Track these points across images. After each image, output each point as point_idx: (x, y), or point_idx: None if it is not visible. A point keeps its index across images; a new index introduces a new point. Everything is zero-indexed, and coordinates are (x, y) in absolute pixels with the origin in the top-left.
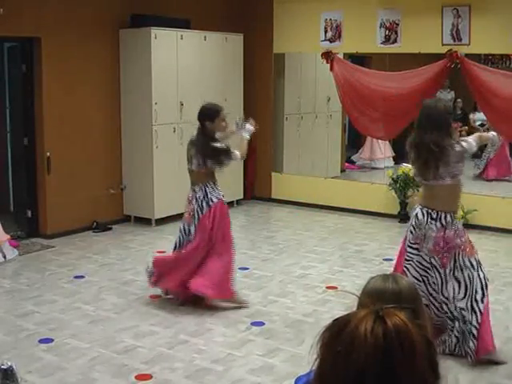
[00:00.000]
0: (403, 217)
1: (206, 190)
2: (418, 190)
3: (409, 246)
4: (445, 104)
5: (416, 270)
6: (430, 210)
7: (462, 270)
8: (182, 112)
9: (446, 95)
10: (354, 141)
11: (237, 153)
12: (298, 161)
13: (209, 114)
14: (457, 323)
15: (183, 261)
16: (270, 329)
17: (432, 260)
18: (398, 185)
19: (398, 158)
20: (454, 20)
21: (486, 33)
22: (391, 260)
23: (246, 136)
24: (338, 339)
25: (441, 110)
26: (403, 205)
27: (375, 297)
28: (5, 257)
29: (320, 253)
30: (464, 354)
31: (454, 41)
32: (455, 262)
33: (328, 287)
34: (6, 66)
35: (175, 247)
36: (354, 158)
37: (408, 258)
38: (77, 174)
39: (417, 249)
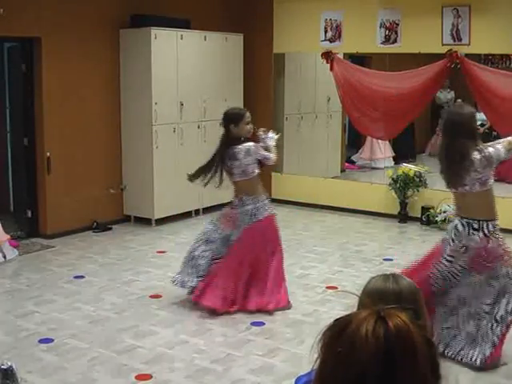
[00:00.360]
0: (403, 217)
1: (256, 204)
2: (418, 190)
3: (444, 258)
4: (470, 110)
5: (442, 278)
6: (470, 221)
7: (497, 279)
8: (181, 112)
9: (446, 95)
10: (354, 141)
11: (271, 155)
12: (297, 161)
13: (233, 118)
14: (471, 325)
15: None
16: (270, 329)
17: (465, 269)
18: (397, 185)
19: (398, 158)
20: (454, 20)
21: (486, 33)
22: (391, 260)
23: (272, 143)
24: (339, 339)
25: (466, 117)
26: (403, 205)
27: (376, 297)
28: (5, 257)
29: (320, 253)
30: (469, 358)
31: (454, 41)
32: (492, 270)
33: (328, 287)
34: (6, 66)
35: (203, 235)
36: (353, 158)
37: (440, 269)
38: (77, 174)
39: (450, 261)
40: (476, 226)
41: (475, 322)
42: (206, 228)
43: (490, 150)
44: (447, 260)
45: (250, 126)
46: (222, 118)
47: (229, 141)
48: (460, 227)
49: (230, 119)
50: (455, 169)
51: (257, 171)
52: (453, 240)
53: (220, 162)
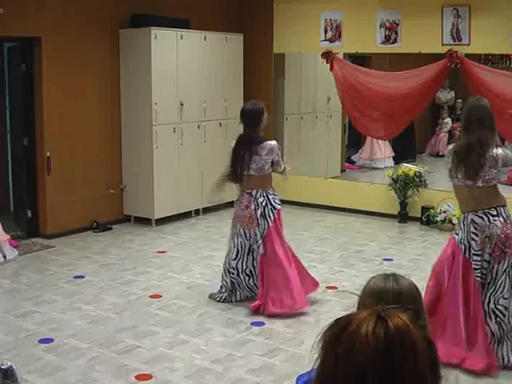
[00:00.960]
0: (403, 217)
1: (268, 197)
2: (417, 190)
3: (474, 255)
4: (488, 102)
5: (485, 276)
6: (486, 210)
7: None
8: (181, 112)
9: (446, 95)
10: (354, 141)
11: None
12: (298, 161)
13: (263, 113)
14: (493, 321)
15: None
16: (270, 329)
17: (490, 259)
18: (397, 185)
19: (398, 158)
20: (454, 20)
21: (486, 33)
22: (391, 260)
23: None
24: (339, 339)
25: (487, 110)
26: (403, 205)
27: (376, 296)
28: (5, 257)
29: (320, 253)
30: (500, 360)
31: (454, 41)
32: (509, 256)
33: (328, 287)
34: (6, 66)
35: (237, 252)
36: (353, 157)
37: (477, 267)
38: (77, 174)
39: (480, 255)
40: (494, 212)
41: (498, 320)
42: (239, 242)
43: (499, 151)
44: (478, 255)
45: (263, 122)
46: (257, 111)
47: (256, 136)
48: (478, 220)
49: (263, 114)
50: (477, 161)
51: (270, 170)
52: (475, 234)
53: (244, 156)
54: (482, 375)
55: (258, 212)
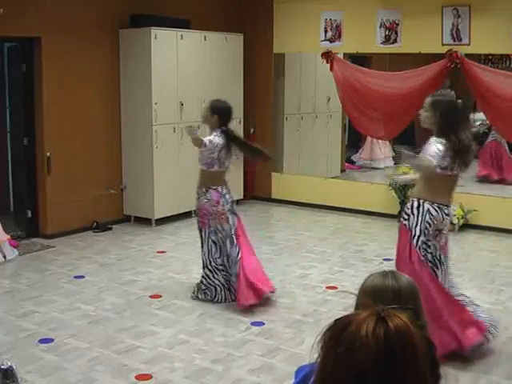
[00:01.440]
0: None
1: (230, 192)
2: None
3: (424, 243)
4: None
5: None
6: (441, 206)
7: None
8: (182, 112)
9: None
10: (354, 141)
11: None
12: (297, 161)
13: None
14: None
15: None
16: (270, 329)
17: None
18: (397, 185)
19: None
20: (454, 20)
21: (486, 33)
22: (391, 260)
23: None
24: (339, 340)
25: (458, 102)
26: (403, 205)
27: (374, 295)
28: (5, 257)
29: (320, 253)
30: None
31: (454, 41)
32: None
33: (328, 287)
34: (6, 66)
35: (220, 249)
36: (353, 158)
37: (427, 253)
38: (77, 174)
39: (429, 246)
40: (447, 211)
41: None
42: (219, 238)
43: None
44: (427, 245)
45: None
46: (230, 112)
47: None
48: (433, 212)
49: (231, 113)
50: (473, 156)
51: None
52: (429, 224)
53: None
54: (480, 375)
55: (227, 207)
